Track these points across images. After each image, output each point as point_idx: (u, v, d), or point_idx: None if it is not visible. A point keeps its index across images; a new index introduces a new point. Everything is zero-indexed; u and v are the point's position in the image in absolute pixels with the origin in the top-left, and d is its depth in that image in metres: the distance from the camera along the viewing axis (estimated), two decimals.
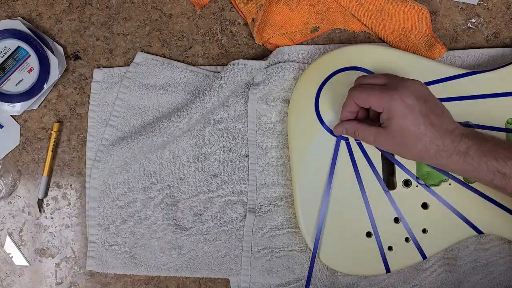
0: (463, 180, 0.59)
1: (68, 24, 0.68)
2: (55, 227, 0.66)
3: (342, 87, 0.59)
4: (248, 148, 0.64)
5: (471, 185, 0.59)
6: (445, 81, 0.60)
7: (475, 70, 0.60)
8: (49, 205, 0.66)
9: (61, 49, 0.67)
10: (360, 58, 0.61)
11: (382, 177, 0.59)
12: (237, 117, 0.65)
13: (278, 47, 0.66)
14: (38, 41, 0.64)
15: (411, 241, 0.59)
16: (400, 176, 0.60)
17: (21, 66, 0.65)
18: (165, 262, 0.63)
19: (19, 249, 0.66)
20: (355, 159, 0.60)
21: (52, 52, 0.65)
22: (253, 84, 0.64)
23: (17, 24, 0.65)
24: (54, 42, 0.67)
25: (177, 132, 0.63)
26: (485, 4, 0.66)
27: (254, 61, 0.62)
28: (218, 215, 0.64)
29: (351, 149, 0.60)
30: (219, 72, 0.65)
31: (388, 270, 0.59)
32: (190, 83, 0.66)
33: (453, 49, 0.65)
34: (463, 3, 0.66)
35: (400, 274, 0.62)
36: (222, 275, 0.63)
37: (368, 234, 0.59)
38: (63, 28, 0.68)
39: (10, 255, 0.65)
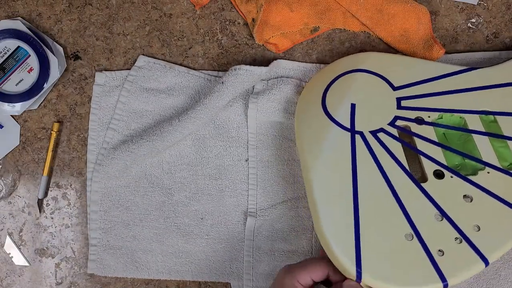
0: (502, 167, 0.53)
1: (68, 24, 0.68)
2: (55, 227, 0.66)
3: (349, 85, 0.58)
4: (248, 152, 0.64)
5: None
6: (453, 75, 0.58)
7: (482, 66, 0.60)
8: (49, 205, 0.66)
9: (61, 49, 0.67)
10: (360, 63, 0.60)
11: (409, 169, 0.53)
12: (237, 121, 0.65)
13: (278, 47, 0.66)
14: (38, 41, 0.64)
15: (464, 242, 0.49)
16: (429, 167, 0.53)
17: (21, 66, 0.65)
18: (166, 266, 0.63)
19: (19, 249, 0.66)
20: (375, 153, 0.54)
21: (52, 52, 0.65)
22: (253, 93, 0.64)
23: (17, 24, 0.65)
24: (54, 42, 0.67)
25: (178, 136, 0.63)
26: (485, 4, 0.66)
27: (256, 67, 0.62)
28: (219, 219, 0.64)
29: (368, 143, 0.54)
30: (220, 77, 0.65)
31: (444, 280, 0.48)
32: (192, 87, 0.66)
33: (452, 52, 0.65)
34: (463, 3, 0.66)
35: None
36: (224, 279, 0.63)
37: (408, 236, 0.50)
38: (63, 28, 0.68)
39: (10, 255, 0.65)
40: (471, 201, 0.51)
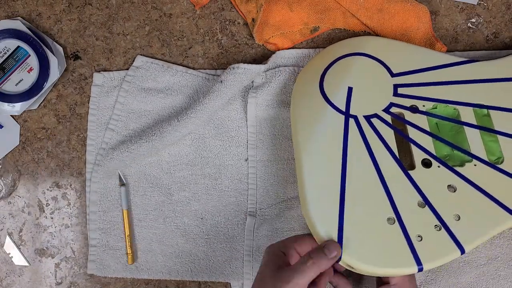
0: (488, 161, 0.54)
1: (68, 24, 0.68)
2: (55, 227, 0.66)
3: (348, 68, 0.58)
4: (247, 151, 0.64)
5: (500, 166, 0.54)
6: (453, 65, 0.59)
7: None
8: (49, 205, 0.66)
9: (61, 49, 0.67)
10: (361, 46, 0.60)
11: (398, 156, 0.54)
12: (236, 120, 0.65)
13: (278, 47, 0.66)
14: (38, 41, 0.64)
15: (443, 230, 0.51)
16: (418, 156, 0.55)
17: (21, 66, 0.65)
18: (166, 266, 0.63)
19: (19, 249, 0.66)
20: (367, 138, 0.55)
21: (52, 52, 0.65)
22: (252, 88, 0.64)
23: (17, 24, 0.65)
24: (54, 42, 0.67)
25: (177, 136, 0.63)
26: (485, 4, 0.66)
27: (254, 65, 0.62)
28: (219, 219, 0.64)
29: (361, 127, 0.55)
30: (218, 76, 0.65)
31: (419, 263, 0.49)
32: (190, 86, 0.66)
33: (453, 51, 0.65)
34: (463, 3, 0.66)
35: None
36: (224, 279, 0.63)
37: (390, 221, 0.51)
38: (63, 28, 0.68)
39: (10, 255, 0.65)
40: (454, 191, 0.53)
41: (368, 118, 0.56)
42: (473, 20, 0.66)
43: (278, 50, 0.66)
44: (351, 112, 0.56)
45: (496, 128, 0.56)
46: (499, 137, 0.55)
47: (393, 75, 0.59)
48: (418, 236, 0.51)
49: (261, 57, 0.67)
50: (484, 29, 0.66)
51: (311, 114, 0.57)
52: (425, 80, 0.58)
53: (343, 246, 0.50)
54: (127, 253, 0.63)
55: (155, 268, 0.63)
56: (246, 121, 0.64)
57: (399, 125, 0.57)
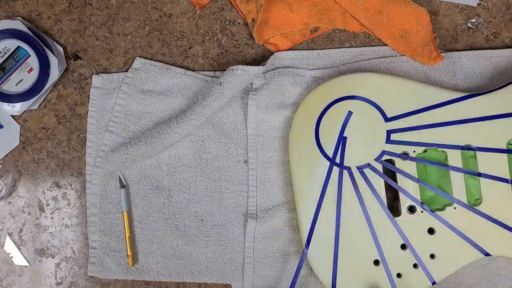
0: (468, 204, 0.59)
1: (68, 24, 0.68)
2: (55, 227, 0.66)
3: (343, 116, 0.60)
4: (247, 153, 0.64)
5: (477, 208, 0.59)
6: (444, 105, 0.60)
7: (473, 92, 0.61)
8: (49, 205, 0.66)
9: (61, 49, 0.67)
10: (357, 87, 0.60)
11: (386, 204, 0.60)
12: (236, 122, 0.65)
13: (278, 47, 0.66)
14: (38, 41, 0.64)
15: (419, 267, 0.59)
16: (404, 202, 0.60)
17: (21, 66, 0.65)
18: (167, 268, 0.63)
19: (19, 249, 0.66)
20: (359, 188, 0.60)
21: (52, 52, 0.65)
22: (252, 89, 0.64)
23: (17, 24, 0.65)
24: (54, 42, 0.67)
25: (177, 138, 0.63)
26: (485, 4, 0.66)
27: (253, 67, 0.62)
28: (219, 221, 0.64)
29: (354, 179, 0.60)
30: (217, 77, 0.65)
31: None
32: (189, 88, 0.66)
33: (452, 51, 0.65)
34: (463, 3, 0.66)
35: None
36: (224, 280, 0.63)
37: (376, 262, 0.59)
38: (63, 28, 0.68)
39: (10, 255, 0.65)
40: (433, 234, 0.59)
41: (361, 169, 0.60)
42: (473, 20, 0.66)
43: (278, 50, 0.66)
44: (345, 163, 0.60)
45: (480, 170, 0.59)
46: (482, 179, 0.59)
47: (386, 119, 0.60)
48: (398, 274, 0.59)
49: (261, 58, 0.67)
50: (484, 29, 0.66)
51: (307, 163, 0.60)
52: (417, 123, 0.60)
53: (336, 285, 0.59)
54: (127, 255, 0.63)
55: (155, 269, 0.63)
56: (246, 123, 0.64)
57: (388, 172, 0.61)
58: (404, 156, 0.60)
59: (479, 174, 0.59)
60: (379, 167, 0.60)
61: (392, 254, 0.59)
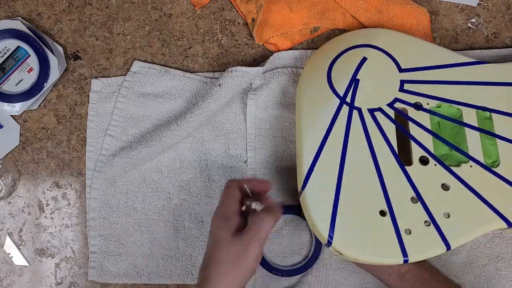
0: (485, 164, 0.55)
1: (68, 24, 0.68)
2: (55, 227, 0.66)
3: (357, 60, 0.59)
4: (247, 153, 0.64)
5: (495, 169, 0.55)
6: (461, 65, 0.59)
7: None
8: (49, 205, 0.66)
9: (61, 49, 0.67)
10: (373, 38, 0.60)
11: (397, 151, 0.55)
12: (235, 123, 0.65)
13: (278, 47, 0.66)
14: (38, 41, 0.64)
15: (432, 226, 0.52)
16: (416, 152, 0.55)
17: (21, 66, 0.65)
18: (167, 270, 0.63)
19: (19, 249, 0.66)
20: (368, 131, 0.56)
21: (52, 52, 0.65)
22: (251, 90, 0.64)
23: (17, 24, 0.65)
24: (54, 42, 0.67)
25: (177, 140, 0.63)
26: (485, 4, 0.66)
27: (252, 68, 0.62)
28: None
29: (364, 120, 0.56)
30: (216, 79, 0.65)
31: (405, 255, 0.51)
32: (188, 90, 0.66)
33: (453, 50, 0.65)
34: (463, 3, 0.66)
35: None
36: None
37: (382, 213, 0.53)
38: (63, 28, 0.68)
39: (10, 255, 0.65)
40: (447, 190, 0.54)
41: (372, 111, 0.57)
42: (473, 20, 0.66)
43: (278, 50, 0.66)
44: (356, 104, 0.57)
45: (497, 132, 0.56)
46: (498, 141, 0.56)
47: (401, 70, 0.59)
48: (407, 229, 0.52)
49: (261, 58, 0.67)
50: (484, 29, 0.66)
51: (316, 101, 0.58)
52: (432, 78, 0.58)
53: (334, 232, 0.51)
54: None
55: (156, 272, 0.63)
56: (245, 123, 0.64)
57: (401, 120, 0.57)
58: (418, 106, 0.57)
59: (496, 136, 0.56)
60: (391, 113, 0.57)
61: (401, 206, 0.53)
